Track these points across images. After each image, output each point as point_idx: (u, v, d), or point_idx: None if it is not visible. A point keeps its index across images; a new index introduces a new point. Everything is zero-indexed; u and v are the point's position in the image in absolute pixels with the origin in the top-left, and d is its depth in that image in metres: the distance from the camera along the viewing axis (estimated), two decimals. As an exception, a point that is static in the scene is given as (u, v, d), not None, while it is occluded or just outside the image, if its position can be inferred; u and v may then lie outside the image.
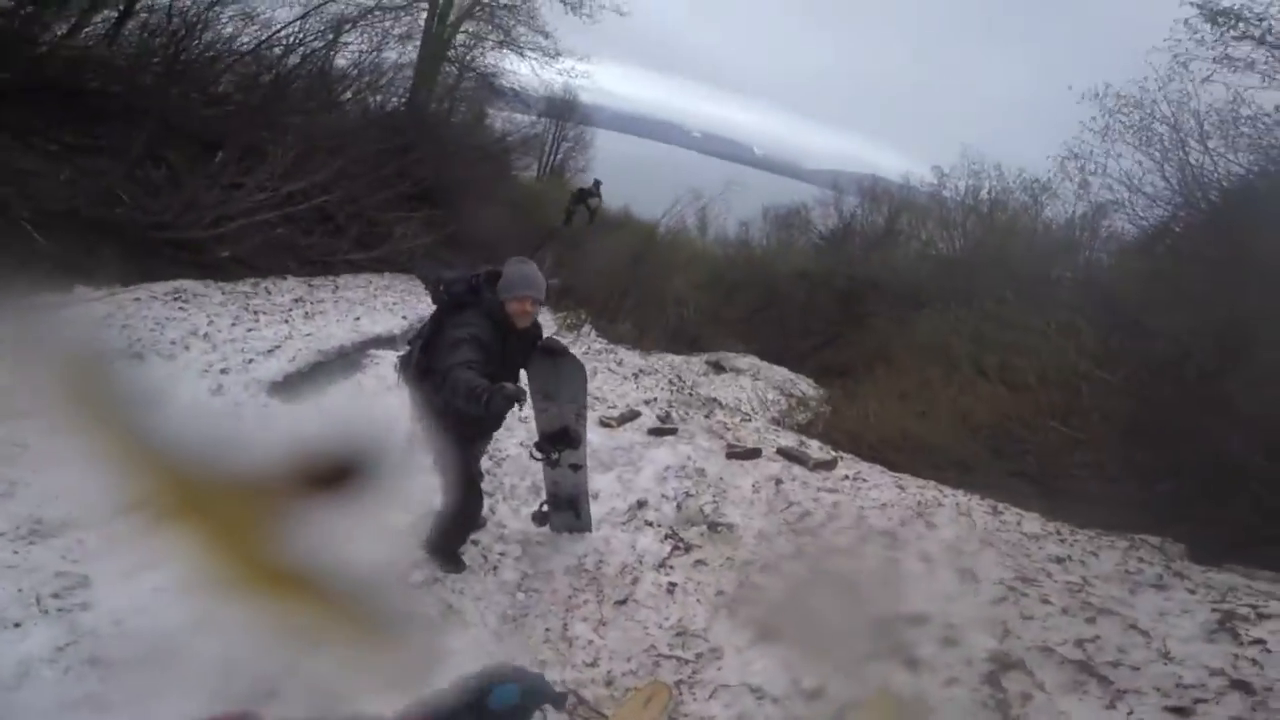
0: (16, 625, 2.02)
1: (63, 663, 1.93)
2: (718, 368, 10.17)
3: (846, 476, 3.98)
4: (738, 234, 20.86)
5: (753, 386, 9.33)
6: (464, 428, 2.51)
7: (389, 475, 0.78)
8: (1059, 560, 3.11)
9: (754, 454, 4.13)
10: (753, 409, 7.61)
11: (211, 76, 7.25)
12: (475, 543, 2.98)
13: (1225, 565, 3.34)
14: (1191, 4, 6.96)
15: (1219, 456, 5.01)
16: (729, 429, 4.88)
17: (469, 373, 2.22)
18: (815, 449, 4.66)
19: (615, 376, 6.04)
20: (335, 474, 0.79)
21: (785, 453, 4.23)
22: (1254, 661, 2.16)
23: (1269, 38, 6.52)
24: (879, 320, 14.15)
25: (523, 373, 2.74)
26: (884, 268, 16.61)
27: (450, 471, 2.55)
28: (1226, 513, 4.52)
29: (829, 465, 4.09)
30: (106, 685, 1.88)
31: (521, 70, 13.41)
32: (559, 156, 22.74)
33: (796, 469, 4.01)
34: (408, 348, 2.69)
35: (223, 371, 4.07)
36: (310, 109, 8.05)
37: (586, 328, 8.04)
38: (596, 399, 4.91)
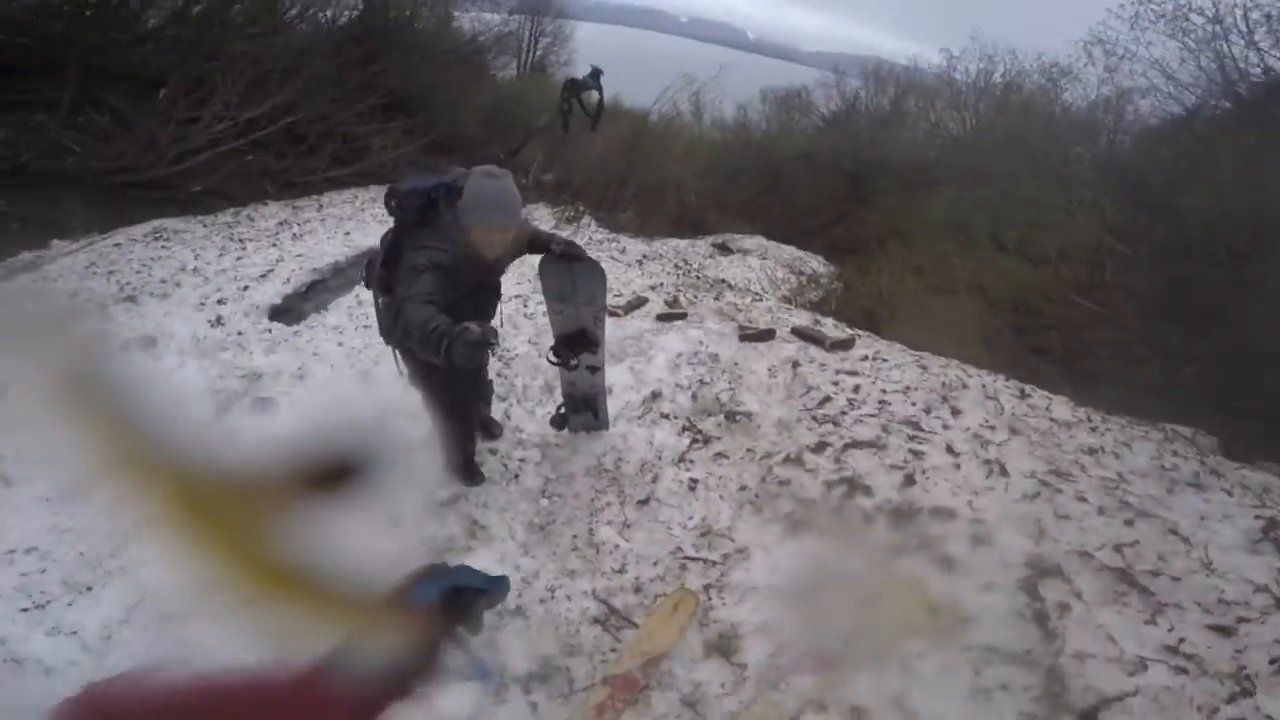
0: (89, 589, 2.04)
1: (137, 622, 1.96)
2: (724, 249, 9.81)
3: (866, 356, 3.81)
4: (736, 118, 19.74)
5: (761, 266, 9.01)
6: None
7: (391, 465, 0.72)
8: (1091, 452, 2.95)
9: (768, 335, 3.96)
10: (763, 288, 7.38)
11: (131, 14, 6.61)
12: (494, 452, 2.94)
13: (1258, 463, 3.17)
14: None
15: (1248, 339, 4.85)
16: (740, 310, 4.68)
17: (427, 309, 1.86)
18: (830, 327, 4.52)
19: (619, 264, 5.81)
20: (346, 459, 0.70)
21: (800, 332, 4.06)
22: (1298, 577, 2.03)
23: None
24: (889, 199, 13.75)
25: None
26: (892, 148, 16.00)
27: (427, 385, 2.34)
28: (1259, 401, 4.38)
29: (846, 345, 3.92)
30: (182, 641, 1.86)
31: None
32: (538, 53, 21.25)
33: (813, 350, 3.83)
34: (377, 254, 2.35)
35: (219, 302, 3.99)
36: (254, 34, 7.41)
37: (586, 219, 7.69)
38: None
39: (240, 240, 5.04)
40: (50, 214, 4.70)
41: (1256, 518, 2.40)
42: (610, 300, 4.42)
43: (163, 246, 4.69)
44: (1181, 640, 1.91)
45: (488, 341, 1.76)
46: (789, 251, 10.44)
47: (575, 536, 2.58)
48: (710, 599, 2.27)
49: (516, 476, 2.86)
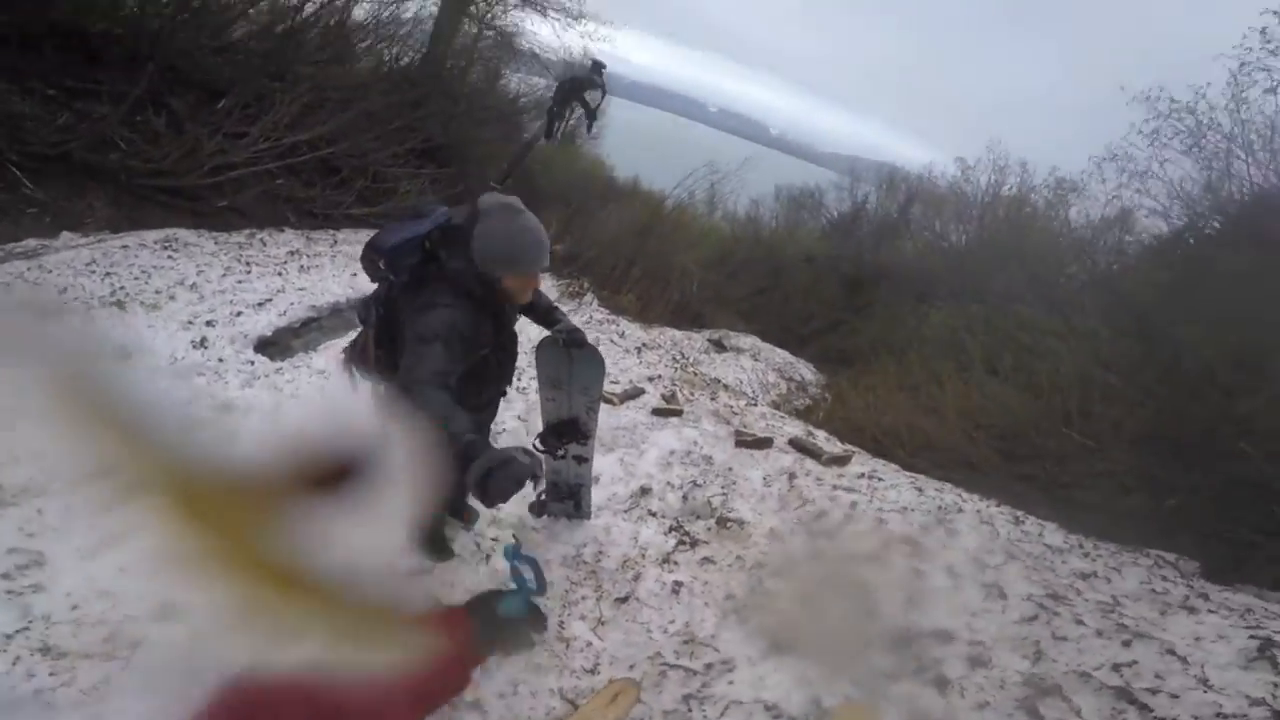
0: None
1: (12, 652, 1.76)
2: (719, 346, 9.87)
3: (862, 474, 3.80)
4: (748, 212, 20.38)
5: (753, 367, 9.09)
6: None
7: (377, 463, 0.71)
8: (1085, 576, 3.01)
9: (765, 444, 3.94)
10: (754, 391, 7.40)
11: (224, 23, 6.88)
12: (467, 529, 2.79)
13: (1238, 585, 3.35)
14: (1273, 12, 6.72)
15: (1234, 474, 4.91)
16: (736, 414, 4.68)
17: (445, 402, 1.49)
18: (824, 440, 4.48)
19: (617, 349, 5.83)
20: (321, 463, 0.70)
21: (797, 444, 4.04)
22: (1295, 692, 2.07)
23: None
24: (885, 310, 13.93)
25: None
26: (893, 256, 16.29)
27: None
28: (1239, 529, 4.44)
29: (842, 461, 3.90)
30: (58, 678, 1.70)
31: (542, 31, 13.01)
32: (571, 122, 22.15)
33: (809, 463, 3.82)
34: (357, 330, 2.09)
35: (208, 324, 3.88)
36: (322, 60, 7.67)
37: (589, 297, 7.77)
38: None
39: (247, 263, 5.01)
40: (71, 205, 4.69)
41: (1251, 637, 2.44)
42: (607, 386, 4.35)
43: (169, 256, 4.65)
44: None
45: (533, 474, 1.43)
46: (781, 355, 10.55)
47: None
48: (690, 710, 2.12)
49: (488, 557, 2.70)
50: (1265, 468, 4.70)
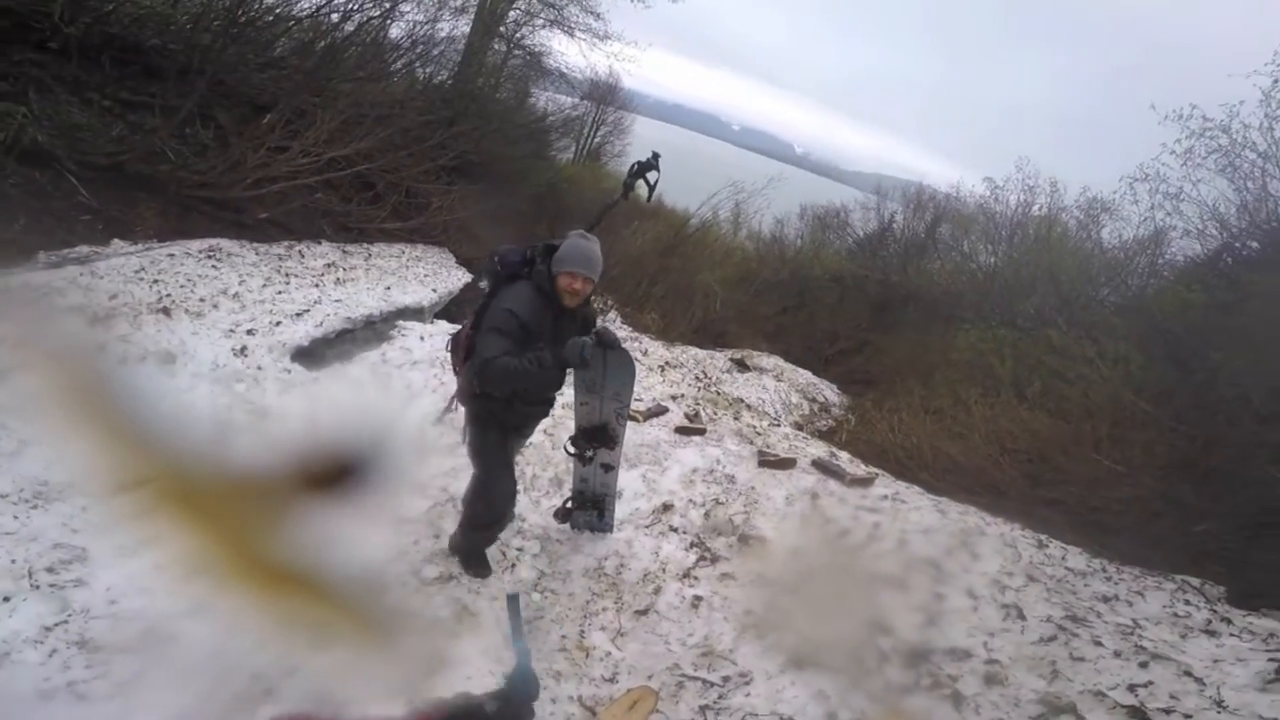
0: (5, 599, 1.90)
1: (49, 644, 1.82)
2: (742, 366, 9.83)
3: (885, 496, 3.79)
4: (773, 231, 20.29)
5: (775, 388, 9.04)
6: (507, 415, 2.38)
7: (403, 459, 0.74)
8: (1106, 599, 3.01)
9: (788, 464, 3.95)
10: (776, 411, 7.39)
11: (268, 39, 7.17)
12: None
13: (1264, 611, 3.30)
14: None
15: (1269, 501, 4.79)
16: (759, 434, 4.70)
17: (508, 360, 2.18)
18: (846, 461, 4.47)
19: (641, 367, 5.86)
20: (348, 458, 0.72)
21: (820, 465, 4.04)
22: (1311, 715, 2.07)
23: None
24: (912, 331, 13.67)
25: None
26: (921, 277, 15.94)
27: (486, 463, 2.42)
28: (1268, 557, 4.34)
29: (865, 482, 3.89)
30: (92, 671, 1.76)
31: (569, 51, 13.28)
32: (597, 140, 22.46)
33: (832, 483, 3.82)
34: (466, 321, 2.53)
35: (249, 333, 4.01)
36: (360, 77, 7.94)
37: (613, 314, 7.84)
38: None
39: (286, 274, 5.16)
40: (122, 213, 4.82)
41: (1270, 659, 2.44)
42: (631, 404, 4.42)
43: (213, 266, 4.79)
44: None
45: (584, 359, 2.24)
46: (805, 376, 10.45)
47: (564, 637, 2.46)
48: (708, 720, 2.14)
49: (513, 566, 2.77)
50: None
